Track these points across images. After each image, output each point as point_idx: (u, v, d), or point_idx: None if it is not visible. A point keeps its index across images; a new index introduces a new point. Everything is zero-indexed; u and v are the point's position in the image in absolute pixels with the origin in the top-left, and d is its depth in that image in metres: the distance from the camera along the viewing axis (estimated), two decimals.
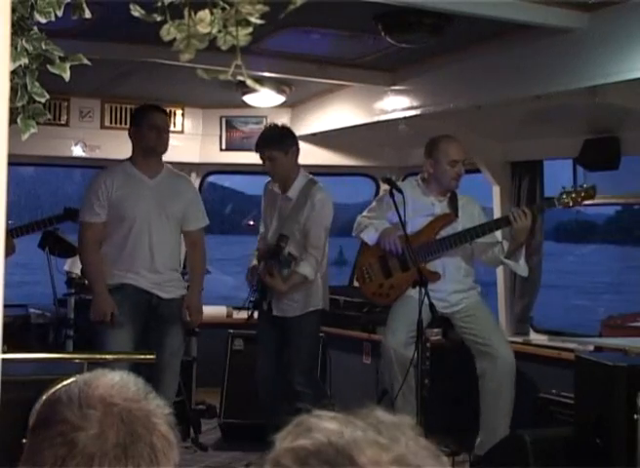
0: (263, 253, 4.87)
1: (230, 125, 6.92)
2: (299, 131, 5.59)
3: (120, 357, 3.79)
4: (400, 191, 4.45)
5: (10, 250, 4.01)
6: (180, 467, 1.21)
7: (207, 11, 1.28)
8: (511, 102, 4.87)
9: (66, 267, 6.10)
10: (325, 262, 4.87)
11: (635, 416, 3.57)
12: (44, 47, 1.47)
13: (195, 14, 1.29)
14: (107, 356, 3.64)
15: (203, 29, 1.28)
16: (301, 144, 5.02)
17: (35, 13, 1.43)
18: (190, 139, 6.90)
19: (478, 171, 6.04)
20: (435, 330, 5.56)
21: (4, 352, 1.26)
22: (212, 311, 6.38)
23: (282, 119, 6.06)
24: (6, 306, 1.03)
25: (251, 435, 5.06)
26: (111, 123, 6.60)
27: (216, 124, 6.93)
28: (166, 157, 4.81)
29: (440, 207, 4.90)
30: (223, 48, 1.29)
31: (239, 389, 5.58)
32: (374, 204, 5.06)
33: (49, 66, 1.50)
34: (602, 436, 3.72)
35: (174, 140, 5.15)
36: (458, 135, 5.01)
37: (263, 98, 6.34)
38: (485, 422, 4.77)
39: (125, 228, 4.62)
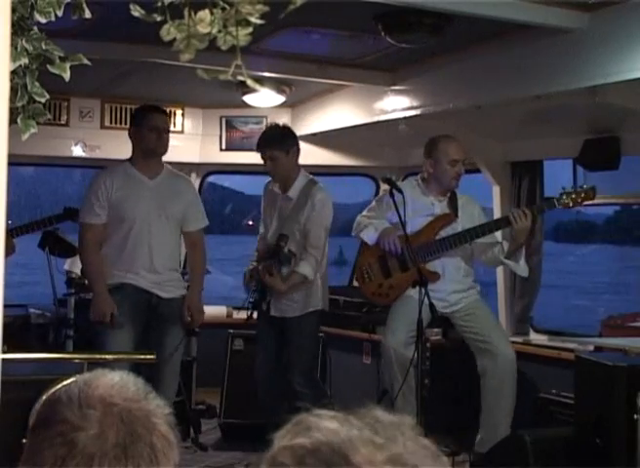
0: (263, 254, 4.87)
1: (230, 125, 6.91)
2: (299, 131, 5.58)
3: (120, 357, 3.78)
4: (400, 191, 4.45)
5: (10, 249, 4.02)
6: (179, 467, 1.21)
7: (207, 11, 1.28)
8: (511, 102, 4.87)
9: (66, 267, 6.09)
10: (325, 262, 4.87)
11: (635, 416, 3.57)
12: (44, 47, 1.47)
13: (195, 14, 1.29)
14: (107, 356, 3.64)
15: (203, 29, 1.28)
16: (302, 144, 5.02)
17: (35, 13, 1.43)
18: (190, 139, 6.89)
19: (478, 171, 6.04)
20: (435, 329, 5.57)
21: (4, 352, 1.26)
22: (212, 311, 6.37)
23: (282, 119, 6.06)
24: (6, 306, 1.02)
25: (251, 435, 5.04)
26: (111, 123, 6.59)
27: (216, 124, 6.93)
28: (166, 157, 4.80)
29: (440, 207, 4.90)
30: (223, 48, 1.28)
31: (239, 389, 5.58)
32: (373, 204, 5.05)
33: (49, 66, 1.50)
34: (602, 436, 3.71)
35: (174, 140, 5.14)
36: (458, 135, 5.00)
37: (263, 98, 6.34)
38: (486, 420, 4.75)
39: (125, 229, 4.62)
